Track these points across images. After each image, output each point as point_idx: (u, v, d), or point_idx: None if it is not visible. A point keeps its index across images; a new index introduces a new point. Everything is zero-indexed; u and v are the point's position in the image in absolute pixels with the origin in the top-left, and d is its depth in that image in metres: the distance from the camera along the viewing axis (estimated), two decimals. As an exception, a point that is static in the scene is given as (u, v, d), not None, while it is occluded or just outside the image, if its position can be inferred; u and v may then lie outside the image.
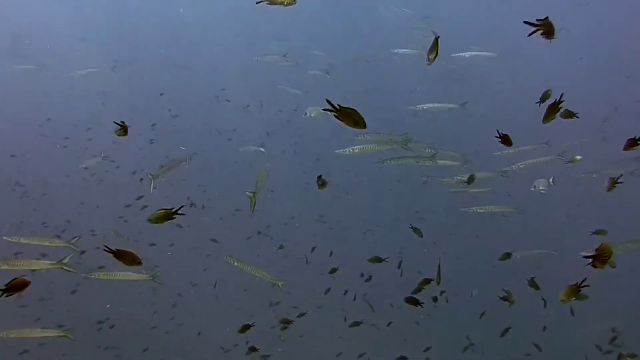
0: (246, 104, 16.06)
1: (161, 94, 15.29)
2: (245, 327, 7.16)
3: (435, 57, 4.86)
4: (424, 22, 17.93)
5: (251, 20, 20.02)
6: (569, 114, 6.24)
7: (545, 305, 10.15)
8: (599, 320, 10.92)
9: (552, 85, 6.39)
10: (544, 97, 6.37)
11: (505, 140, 5.90)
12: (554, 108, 5.59)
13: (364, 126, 3.88)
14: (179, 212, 4.52)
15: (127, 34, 18.96)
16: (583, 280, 5.08)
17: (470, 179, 8.96)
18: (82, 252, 10.81)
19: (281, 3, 3.95)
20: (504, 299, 8.51)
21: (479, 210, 10.03)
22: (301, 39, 19.12)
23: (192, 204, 13.00)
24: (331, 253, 11.13)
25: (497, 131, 5.89)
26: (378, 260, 8.42)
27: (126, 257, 4.69)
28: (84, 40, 17.60)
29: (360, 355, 11.92)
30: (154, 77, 17.32)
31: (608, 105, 14.78)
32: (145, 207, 12.07)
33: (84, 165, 12.55)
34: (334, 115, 3.74)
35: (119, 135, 5.21)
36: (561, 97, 5.55)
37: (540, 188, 9.13)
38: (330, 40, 19.46)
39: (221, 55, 18.91)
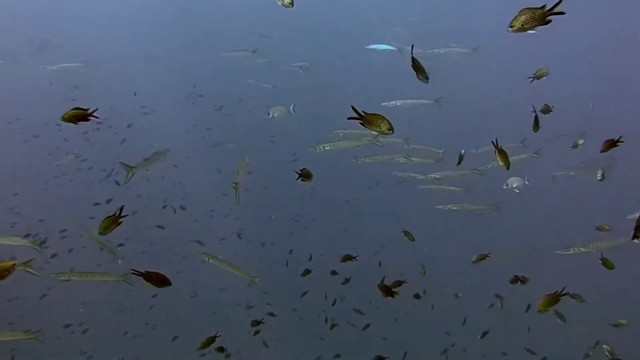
0: (223, 100, 15.98)
1: (135, 94, 15.19)
2: (210, 341, 6.85)
3: (425, 76, 4.67)
4: (406, 20, 18.18)
5: (233, 17, 20.04)
6: (547, 109, 6.35)
7: (527, 310, 10.15)
8: (584, 322, 11.02)
9: (535, 86, 6.47)
10: (539, 75, 6.36)
11: (501, 154, 5.49)
12: (536, 120, 5.72)
13: (392, 131, 3.76)
14: (122, 215, 4.53)
15: (103, 29, 18.81)
16: (562, 289, 5.16)
17: (460, 159, 8.83)
18: (54, 255, 10.77)
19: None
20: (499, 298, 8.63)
21: (454, 208, 10.10)
22: (281, 36, 19.16)
23: (165, 206, 12.96)
24: (311, 257, 11.08)
25: (496, 140, 5.55)
26: (349, 258, 8.50)
27: (155, 279, 4.62)
28: (58, 35, 17.39)
29: (337, 356, 11.94)
30: (130, 74, 17.17)
31: (587, 103, 15.01)
32: (121, 207, 11.95)
33: (57, 163, 12.46)
34: (360, 123, 3.67)
35: (63, 119, 4.54)
36: (533, 109, 5.67)
37: (514, 186, 9.23)
38: (310, 37, 19.52)
39: (200, 52, 18.82)
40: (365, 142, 8.41)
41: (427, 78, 4.66)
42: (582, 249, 7.49)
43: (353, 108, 3.62)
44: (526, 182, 9.36)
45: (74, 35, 17.53)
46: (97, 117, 4.41)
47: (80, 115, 4.46)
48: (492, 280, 10.37)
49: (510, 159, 9.96)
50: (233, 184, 7.40)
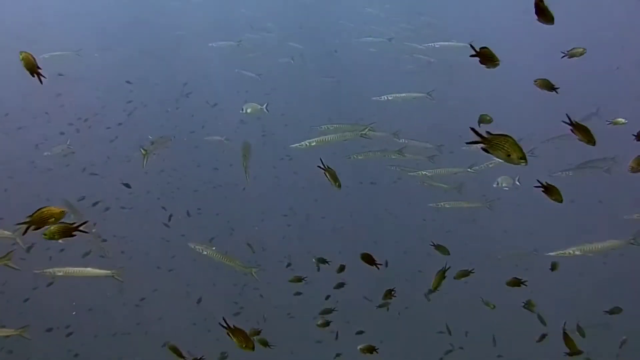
0: (215, 94, 16.01)
1: (128, 82, 15.17)
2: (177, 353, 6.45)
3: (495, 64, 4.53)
4: (406, 17, 18.26)
5: (229, 10, 20.09)
6: (549, 85, 5.97)
7: (542, 321, 9.97)
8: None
9: (532, 80, 6.37)
10: (574, 54, 6.13)
11: (550, 190, 4.96)
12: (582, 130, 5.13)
13: (525, 161, 3.22)
14: (80, 228, 3.98)
15: (96, 17, 18.84)
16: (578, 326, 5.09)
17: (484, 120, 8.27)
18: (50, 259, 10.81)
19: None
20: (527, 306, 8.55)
21: (447, 206, 10.03)
22: (277, 29, 19.23)
23: (163, 207, 13.00)
24: (318, 268, 11.03)
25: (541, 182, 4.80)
26: (323, 261, 8.49)
27: (241, 336, 4.66)
28: (45, 24, 17.40)
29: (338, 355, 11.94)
30: (123, 65, 17.17)
31: (588, 102, 15.03)
32: (108, 208, 12.09)
33: (47, 153, 12.46)
34: (482, 148, 3.18)
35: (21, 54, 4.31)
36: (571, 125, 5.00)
37: (504, 185, 9.24)
38: (305, 30, 19.58)
39: (195, 46, 18.86)
40: (352, 136, 8.21)
41: (496, 64, 4.52)
42: (577, 252, 7.45)
43: (473, 129, 3.09)
44: (516, 182, 9.38)
45: (63, 25, 17.54)
46: (43, 77, 4.40)
47: (30, 65, 4.35)
48: (491, 282, 10.39)
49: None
50: (243, 167, 7.48)
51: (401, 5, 19.65)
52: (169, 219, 12.52)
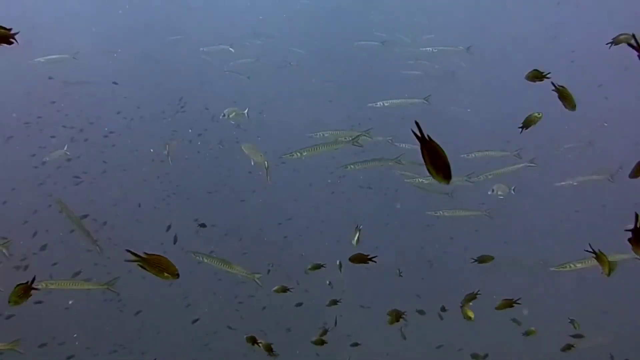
0: (213, 101, 16.06)
1: (115, 82, 15.22)
2: None
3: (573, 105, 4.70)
4: (406, 23, 18.35)
5: (231, 15, 20.22)
6: (538, 76, 5.65)
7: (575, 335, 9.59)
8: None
9: (535, 92, 6.29)
10: (619, 41, 5.81)
11: (601, 258, 4.91)
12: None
13: None
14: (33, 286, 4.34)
15: (91, 22, 18.96)
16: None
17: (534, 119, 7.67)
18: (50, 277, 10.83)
19: None
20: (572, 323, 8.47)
21: (445, 214, 10.02)
22: (278, 35, 19.37)
23: (169, 226, 13.03)
24: (330, 284, 10.91)
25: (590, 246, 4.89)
26: (317, 267, 8.50)
27: None
28: (40, 28, 17.47)
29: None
30: (120, 70, 17.25)
31: (591, 107, 15.02)
32: (105, 222, 12.14)
33: (45, 159, 12.53)
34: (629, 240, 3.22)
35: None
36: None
37: (499, 193, 9.24)
38: (306, 37, 19.70)
39: (195, 50, 18.97)
40: (344, 145, 8.12)
41: (574, 106, 4.71)
42: (579, 265, 7.38)
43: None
44: (511, 192, 9.39)
45: (59, 29, 17.61)
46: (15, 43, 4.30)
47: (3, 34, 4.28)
48: (496, 290, 10.36)
49: (506, 169, 10.02)
50: (265, 164, 7.51)
51: (402, 11, 19.78)
52: (174, 241, 12.49)
